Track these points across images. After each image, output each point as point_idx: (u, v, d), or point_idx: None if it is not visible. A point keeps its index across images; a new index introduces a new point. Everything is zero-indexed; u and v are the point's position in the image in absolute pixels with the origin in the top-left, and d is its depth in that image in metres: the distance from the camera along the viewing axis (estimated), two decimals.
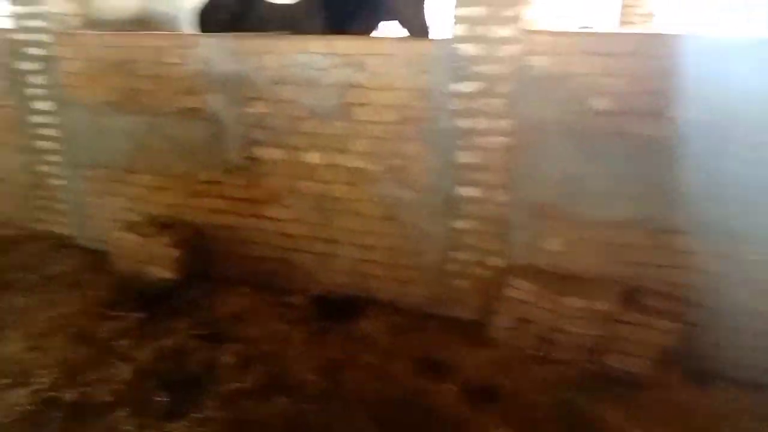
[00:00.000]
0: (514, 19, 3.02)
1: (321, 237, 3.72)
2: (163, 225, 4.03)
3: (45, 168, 4.45)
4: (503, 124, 3.14)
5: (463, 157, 3.25)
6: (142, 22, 4.91)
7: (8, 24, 4.23)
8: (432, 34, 4.10)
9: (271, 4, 5.07)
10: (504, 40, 3.06)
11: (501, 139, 3.16)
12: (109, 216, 4.30)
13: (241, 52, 3.61)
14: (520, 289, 3.15)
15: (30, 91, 4.28)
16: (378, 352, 3.15)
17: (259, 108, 3.65)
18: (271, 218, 3.83)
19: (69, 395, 2.74)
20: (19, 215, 4.69)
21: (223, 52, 3.64)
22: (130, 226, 4.06)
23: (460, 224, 3.36)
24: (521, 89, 3.08)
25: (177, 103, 3.84)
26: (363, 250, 3.65)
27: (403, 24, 4.20)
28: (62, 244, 4.48)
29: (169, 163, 4.00)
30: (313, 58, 3.43)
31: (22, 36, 4.18)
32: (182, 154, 3.94)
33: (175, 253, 3.85)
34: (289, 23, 4.40)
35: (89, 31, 4.14)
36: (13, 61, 4.26)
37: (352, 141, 3.48)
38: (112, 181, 4.24)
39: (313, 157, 3.61)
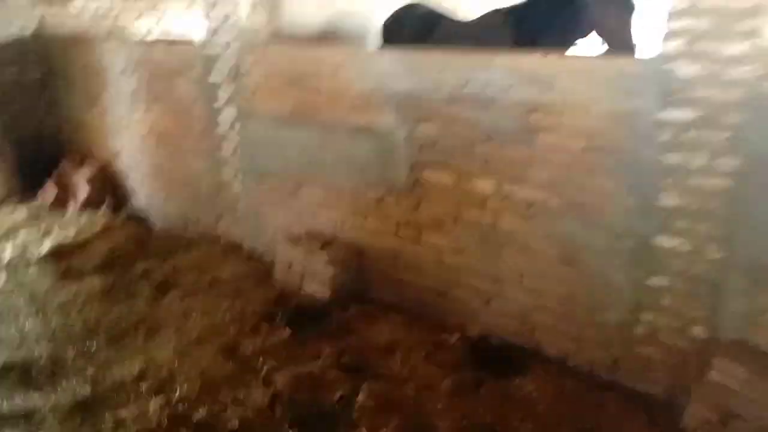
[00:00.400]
0: (750, 34, 2.42)
1: (485, 273, 3.36)
2: (324, 241, 3.95)
3: (226, 175, 4.63)
4: (726, 162, 2.53)
5: (669, 200, 2.69)
6: (329, 36, 4.95)
7: (202, 37, 4.49)
8: (637, 51, 3.55)
9: (456, 20, 4.84)
10: (734, 60, 2.47)
11: (721, 181, 2.56)
12: (278, 226, 4.34)
13: (417, 67, 3.40)
14: (727, 373, 2.51)
15: (220, 101, 4.49)
16: (538, 420, 2.69)
17: (431, 128, 3.40)
18: (432, 246, 3.55)
19: (200, 414, 2.68)
20: (202, 218, 4.94)
21: (399, 67, 3.46)
22: (294, 239, 4.04)
23: (656, 281, 2.78)
24: (754, 121, 2.46)
25: (350, 119, 3.74)
26: (533, 294, 3.21)
27: (605, 38, 3.70)
28: (235, 249, 4.63)
29: (336, 179, 3.92)
30: (495, 75, 3.10)
31: (213, 49, 4.39)
32: (350, 171, 3.83)
33: (332, 271, 3.75)
34: (474, 40, 4.12)
35: (274, 45, 4.22)
36: (205, 72, 4.50)
37: (531, 169, 3.08)
38: (283, 193, 4.27)
39: (485, 185, 3.26)
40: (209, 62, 4.45)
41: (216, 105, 4.51)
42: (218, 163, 4.66)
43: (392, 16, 4.93)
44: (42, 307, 3.68)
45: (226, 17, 4.28)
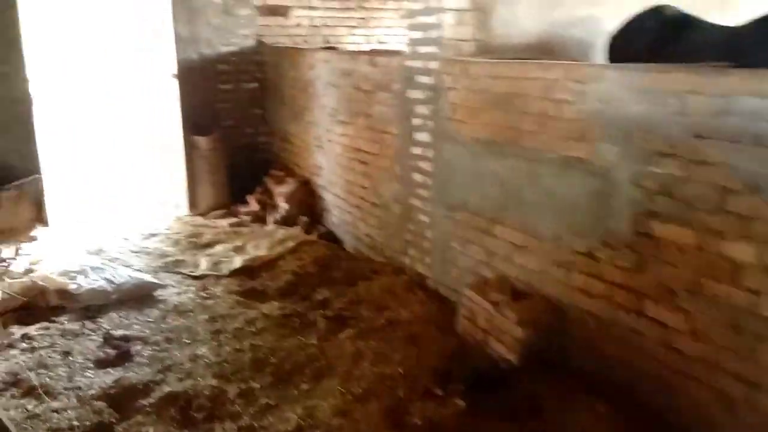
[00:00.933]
0: None
1: (734, 371, 2.51)
2: (516, 293, 3.37)
3: (416, 202, 4.28)
4: None
5: None
6: (546, 49, 4.34)
7: (405, 50, 4.18)
8: None
9: (712, 25, 3.91)
10: None
11: None
12: (466, 266, 3.87)
13: (654, 88, 2.68)
14: None
15: (415, 120, 4.15)
16: None
17: (669, 167, 2.64)
18: (659, 322, 2.77)
19: None
20: (390, 244, 4.67)
21: (628, 88, 2.76)
22: (481, 286, 3.53)
23: None
24: None
25: (560, 150, 3.12)
26: None
27: None
28: (419, 283, 4.26)
29: (538, 221, 3.32)
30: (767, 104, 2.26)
31: (414, 63, 4.05)
32: (556, 212, 3.20)
33: (523, 332, 3.15)
34: (734, 52, 3.22)
35: (477, 59, 3.74)
36: (405, 88, 4.18)
37: None
38: (475, 229, 3.78)
39: (742, 251, 2.42)
40: (409, 77, 4.14)
41: (413, 124, 4.17)
42: (410, 188, 4.32)
43: (627, 22, 4.16)
44: (218, 331, 3.65)
45: (429, 28, 3.91)
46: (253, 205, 5.96)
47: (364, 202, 4.95)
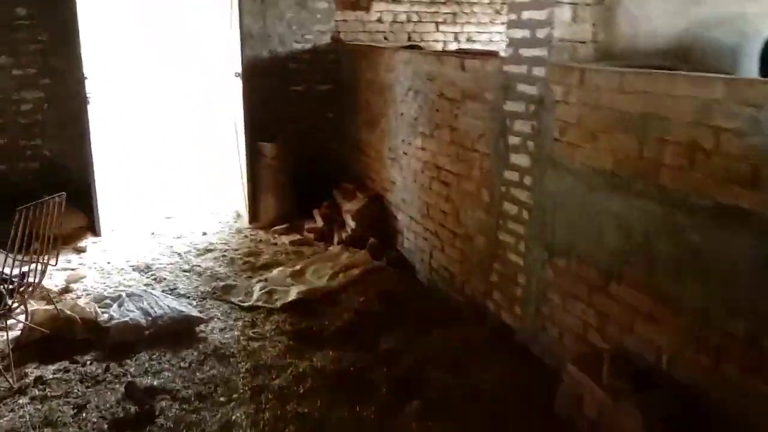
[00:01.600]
0: None
1: None
2: (638, 377, 2.56)
3: (507, 237, 3.53)
4: None
5: None
6: (682, 55, 3.46)
7: (503, 52, 3.43)
8: None
9: None
10: None
11: None
12: (569, 326, 3.09)
13: None
14: None
15: (512, 139, 3.39)
16: None
17: None
18: None
19: None
20: (471, 283, 3.94)
21: None
22: (591, 361, 2.74)
23: None
24: None
25: (717, 195, 2.29)
26: None
27: None
28: (504, 337, 3.52)
29: (675, 285, 2.50)
30: None
31: (515, 68, 3.30)
32: (704, 278, 2.38)
33: None
34: None
35: (599, 66, 2.93)
36: (501, 99, 3.44)
37: None
38: (584, 282, 3.00)
39: None
40: (507, 85, 3.39)
41: (509, 143, 3.42)
42: (500, 220, 3.57)
43: None
44: (260, 388, 3.04)
45: (536, 26, 3.15)
46: (319, 221, 5.37)
47: (443, 229, 4.24)
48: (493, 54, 4.83)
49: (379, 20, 6.06)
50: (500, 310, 3.65)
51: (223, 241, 5.18)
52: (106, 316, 3.51)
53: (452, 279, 4.16)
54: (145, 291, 3.82)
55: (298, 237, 5.21)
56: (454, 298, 4.09)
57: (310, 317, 3.81)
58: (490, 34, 6.65)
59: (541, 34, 3.14)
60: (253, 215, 5.57)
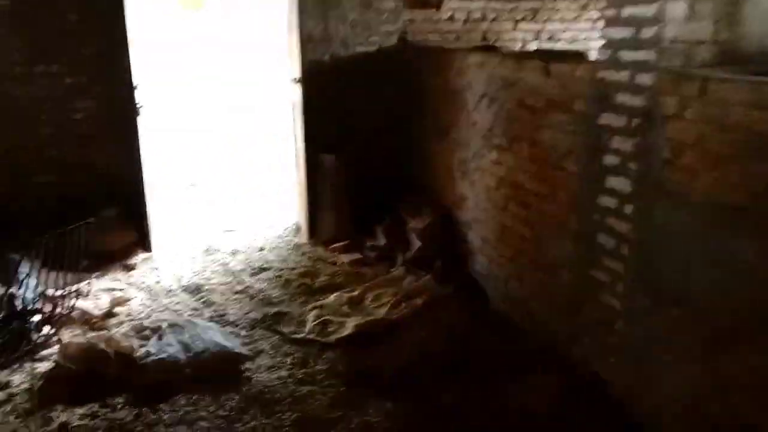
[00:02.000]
0: None
1: None
2: None
3: (601, 275, 2.99)
4: None
5: None
6: None
7: (598, 55, 2.88)
8: None
9: None
10: None
11: None
12: (682, 393, 2.53)
13: None
14: None
15: (608, 159, 2.85)
16: None
17: None
18: None
19: None
20: (552, 321, 3.42)
21: None
22: None
23: None
24: None
25: None
26: None
27: None
28: (596, 389, 2.98)
29: None
30: None
31: (614, 74, 2.76)
32: None
33: None
34: None
35: (726, 74, 2.35)
36: (595, 111, 2.90)
37: None
38: (699, 339, 2.43)
39: None
40: (604, 94, 2.85)
41: (605, 163, 2.88)
42: (593, 254, 3.03)
43: None
44: None
45: (642, 23, 2.60)
46: (380, 239, 4.94)
47: (522, 256, 3.73)
48: (582, 57, 4.29)
49: (451, 18, 5.57)
50: (590, 357, 3.11)
51: (280, 259, 4.84)
52: (143, 350, 3.20)
53: (530, 315, 3.64)
54: (189, 321, 3.50)
55: (358, 256, 4.80)
56: (532, 336, 3.57)
57: (367, 355, 3.39)
58: (575, 32, 6.04)
59: (647, 33, 2.58)
60: (312, 230, 5.21)
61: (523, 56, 3.97)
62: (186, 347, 3.21)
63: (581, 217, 3.10)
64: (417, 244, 4.65)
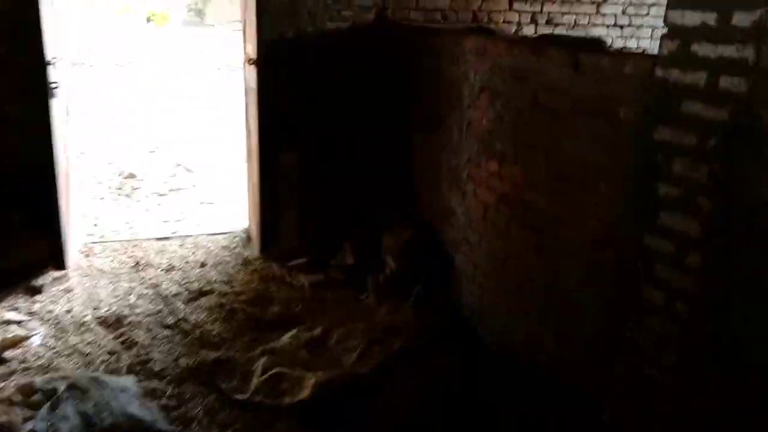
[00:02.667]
0: None
1: None
2: None
3: (642, 338, 2.28)
4: None
5: None
6: None
7: (664, 48, 2.15)
8: None
9: None
10: None
11: None
12: None
13: None
14: None
15: (666, 187, 2.13)
16: None
17: None
18: None
19: None
20: (576, 369, 2.72)
21: None
22: None
23: None
24: None
25: None
26: None
27: None
28: None
29: None
30: None
31: (680, 75, 2.03)
32: None
33: None
34: None
35: None
36: (647, 120, 2.17)
37: None
38: None
39: None
40: (665, 99, 2.12)
41: (660, 192, 2.16)
42: (631, 307, 2.32)
43: None
44: None
45: (730, 7, 1.87)
46: (349, 256, 4.17)
47: (530, 290, 3.00)
48: (597, 43, 3.57)
49: None
50: (626, 414, 2.42)
51: (225, 278, 4.03)
52: (29, 426, 2.38)
53: (543, 358, 2.93)
54: (96, 379, 2.65)
55: (320, 277, 4.02)
56: (546, 383, 2.86)
57: (331, 424, 2.63)
58: (576, 16, 5.33)
59: (741, 20, 1.86)
60: (266, 241, 4.39)
61: (539, 43, 3.20)
62: (87, 422, 2.39)
63: (620, 258, 2.39)
64: (392, 264, 3.90)
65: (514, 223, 3.08)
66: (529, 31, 5.18)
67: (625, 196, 2.34)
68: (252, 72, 4.16)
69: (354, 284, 3.96)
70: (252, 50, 4.13)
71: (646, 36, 5.64)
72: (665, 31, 2.12)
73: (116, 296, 3.75)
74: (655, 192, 2.18)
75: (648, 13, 5.56)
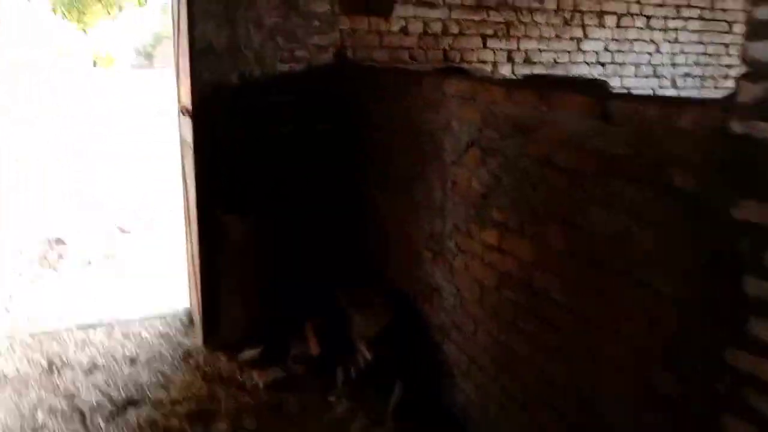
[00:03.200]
0: None
1: None
2: None
3: None
4: None
5: None
6: None
7: (740, 94, 1.58)
8: None
9: None
10: None
11: None
12: None
13: None
14: None
15: (757, 285, 1.53)
16: None
17: None
18: None
19: None
20: None
21: None
22: None
23: None
24: None
25: None
26: None
27: None
28: None
29: None
30: None
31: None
32: None
33: None
34: None
35: None
36: (721, 191, 1.58)
37: None
38: None
39: None
40: (747, 165, 1.54)
41: (748, 292, 1.56)
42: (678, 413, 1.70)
43: None
44: None
45: None
46: (312, 344, 3.46)
47: (549, 403, 2.36)
48: (599, 85, 3.06)
49: (404, 31, 4.23)
50: None
51: (160, 380, 3.27)
52: None
53: None
54: None
55: (278, 373, 3.30)
56: None
57: None
58: (556, 54, 4.86)
59: None
60: (210, 327, 3.66)
61: (549, 86, 2.61)
62: None
63: (684, 379, 1.77)
64: (367, 355, 3.21)
65: (521, 312, 2.45)
66: (505, 70, 4.68)
67: (690, 293, 1.74)
68: (187, 124, 3.49)
69: (320, 379, 3.25)
70: (186, 98, 3.47)
71: (629, 74, 5.22)
72: (745, 70, 1.55)
73: (20, 414, 2.95)
74: (739, 290, 1.58)
75: (631, 50, 5.15)
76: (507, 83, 2.69)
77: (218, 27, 3.59)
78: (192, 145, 3.44)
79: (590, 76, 4.51)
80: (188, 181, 3.72)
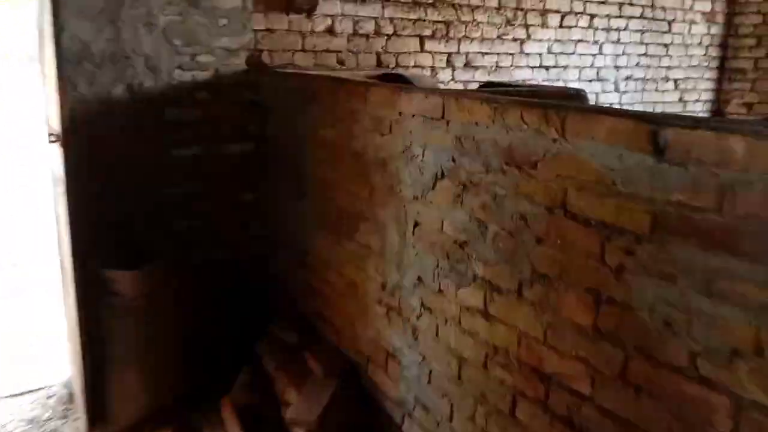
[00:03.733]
0: None
1: None
2: None
3: None
4: None
5: None
6: None
7: None
8: None
9: None
10: None
11: None
12: None
13: None
14: None
15: None
16: None
17: None
18: None
19: None
20: None
21: None
22: None
23: None
24: None
25: None
26: None
27: None
28: None
29: None
30: None
31: None
32: None
33: None
34: None
35: None
36: None
37: None
38: None
39: None
40: None
41: None
42: None
43: None
44: None
45: None
46: (231, 425, 2.74)
47: None
48: (579, 97, 2.56)
49: (330, 31, 3.59)
50: None
51: None
52: None
53: None
54: None
55: None
56: None
57: None
58: (498, 56, 4.37)
59: None
60: (98, 409, 2.85)
61: (563, 100, 2.02)
62: None
63: None
64: (317, 409, 2.54)
65: (525, 402, 1.87)
66: (445, 76, 4.15)
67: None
68: (57, 153, 2.68)
69: None
70: (54, 119, 2.66)
71: (573, 78, 4.84)
72: None
73: None
74: None
75: (574, 52, 4.77)
76: (488, 98, 2.08)
77: (97, 28, 2.81)
78: (63, 179, 2.63)
79: (573, 87, 4.04)
80: (61, 223, 2.90)
